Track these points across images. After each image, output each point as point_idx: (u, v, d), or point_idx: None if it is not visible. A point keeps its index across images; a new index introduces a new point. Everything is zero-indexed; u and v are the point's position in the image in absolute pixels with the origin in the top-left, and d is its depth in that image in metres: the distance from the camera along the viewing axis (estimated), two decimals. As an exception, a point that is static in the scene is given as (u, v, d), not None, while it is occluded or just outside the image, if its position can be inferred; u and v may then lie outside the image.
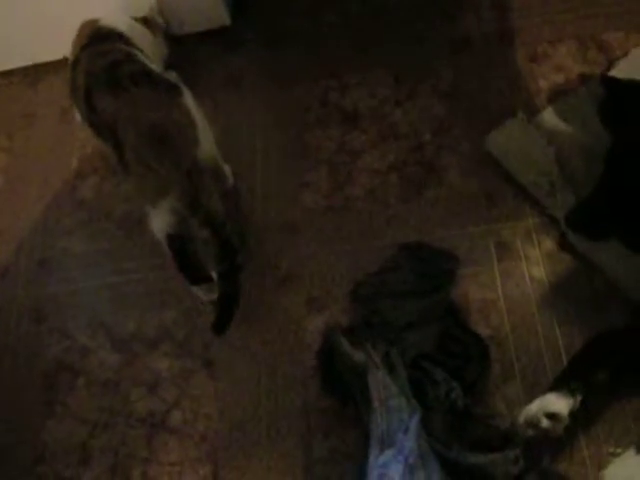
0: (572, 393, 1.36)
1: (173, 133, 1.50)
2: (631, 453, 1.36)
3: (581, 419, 1.42)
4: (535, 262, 1.62)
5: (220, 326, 1.59)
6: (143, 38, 1.83)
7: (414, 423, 1.22)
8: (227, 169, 1.75)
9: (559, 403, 1.35)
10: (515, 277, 1.61)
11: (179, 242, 1.56)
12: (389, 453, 1.18)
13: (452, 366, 1.46)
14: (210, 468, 1.57)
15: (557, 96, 1.83)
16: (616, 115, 1.48)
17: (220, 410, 1.62)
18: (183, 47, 2.10)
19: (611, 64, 1.87)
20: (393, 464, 1.15)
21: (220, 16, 2.10)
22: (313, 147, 1.89)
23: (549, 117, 1.77)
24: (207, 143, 1.57)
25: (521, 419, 1.37)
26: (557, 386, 1.38)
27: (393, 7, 2.08)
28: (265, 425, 1.58)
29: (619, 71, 1.80)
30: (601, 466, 1.38)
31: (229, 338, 1.67)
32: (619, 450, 1.39)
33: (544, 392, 1.39)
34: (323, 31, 2.09)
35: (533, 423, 1.36)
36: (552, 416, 1.34)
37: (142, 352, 1.72)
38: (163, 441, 1.62)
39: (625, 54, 1.89)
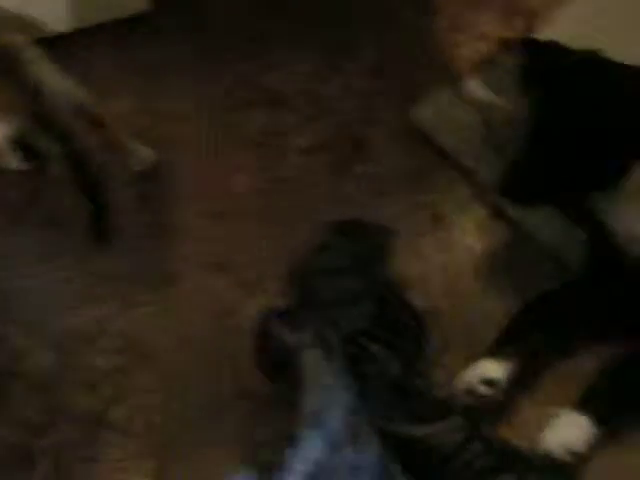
0: (508, 358, 1.37)
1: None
2: (570, 412, 1.37)
3: (520, 383, 1.43)
4: (469, 232, 1.63)
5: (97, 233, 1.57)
6: None
7: (342, 400, 1.21)
8: (146, 152, 1.75)
9: (495, 369, 1.36)
10: (450, 247, 1.62)
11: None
12: (312, 433, 1.17)
13: (390, 340, 1.45)
14: (154, 462, 1.53)
15: (482, 64, 1.83)
16: (538, 79, 1.48)
17: (161, 402, 1.59)
18: (104, 34, 2.05)
19: (534, 30, 1.88)
20: (313, 442, 1.14)
21: (140, 2, 2.06)
22: (241, 130, 1.86)
23: (474, 86, 1.76)
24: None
25: (459, 387, 1.37)
26: (492, 352, 1.38)
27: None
28: (207, 413, 1.55)
29: (542, 36, 1.81)
30: (542, 427, 1.39)
31: (165, 328, 1.65)
32: (560, 411, 1.40)
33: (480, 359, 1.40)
34: (246, 12, 2.06)
35: (471, 390, 1.36)
36: (489, 382, 1.35)
37: (79, 349, 1.67)
38: (105, 438, 1.57)
39: (547, 19, 1.90)
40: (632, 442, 1.39)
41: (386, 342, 1.44)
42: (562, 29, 1.85)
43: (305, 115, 1.85)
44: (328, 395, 1.22)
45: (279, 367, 1.38)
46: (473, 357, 1.46)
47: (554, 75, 1.44)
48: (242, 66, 1.96)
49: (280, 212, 1.73)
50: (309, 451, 1.13)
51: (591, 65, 1.42)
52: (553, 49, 1.51)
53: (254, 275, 1.66)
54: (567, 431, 1.35)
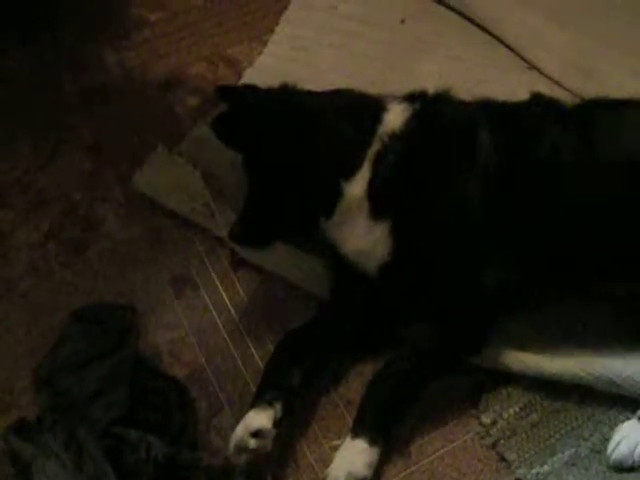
0: (270, 403, 1.33)
1: None
2: (348, 440, 1.35)
3: (293, 423, 1.40)
4: (214, 287, 1.59)
5: None
6: None
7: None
8: None
9: (260, 418, 1.31)
10: (198, 308, 1.57)
11: None
12: None
13: (153, 420, 1.37)
14: None
15: (197, 119, 1.83)
16: (233, 126, 1.48)
17: None
18: None
19: (240, 76, 1.92)
20: None
21: None
22: (-42, 239, 1.73)
23: (191, 142, 1.76)
24: None
25: (230, 448, 1.32)
26: (255, 402, 1.34)
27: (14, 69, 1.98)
28: None
29: (248, 80, 1.84)
30: (327, 464, 1.36)
31: None
32: (339, 442, 1.38)
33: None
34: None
35: (241, 447, 1.30)
36: (257, 433, 1.30)
37: None
38: None
39: (251, 64, 1.94)
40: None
41: (150, 423, 1.37)
42: (267, 69, 1.90)
43: (27, 208, 1.75)
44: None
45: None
46: (244, 412, 1.41)
47: (247, 120, 1.44)
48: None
49: (16, 317, 1.60)
50: None
51: (279, 104, 1.44)
52: (245, 93, 1.52)
53: (3, 390, 1.52)
54: (349, 460, 1.33)
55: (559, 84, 1.80)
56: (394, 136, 1.39)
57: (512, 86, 1.76)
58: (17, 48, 2.03)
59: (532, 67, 1.85)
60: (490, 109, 1.44)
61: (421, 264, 1.36)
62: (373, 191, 1.39)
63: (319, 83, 1.53)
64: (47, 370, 1.45)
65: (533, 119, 1.41)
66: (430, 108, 1.43)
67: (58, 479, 1.19)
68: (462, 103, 1.45)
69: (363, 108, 1.43)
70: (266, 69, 1.89)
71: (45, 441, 1.25)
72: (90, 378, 1.40)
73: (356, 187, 1.39)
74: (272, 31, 2.01)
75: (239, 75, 1.92)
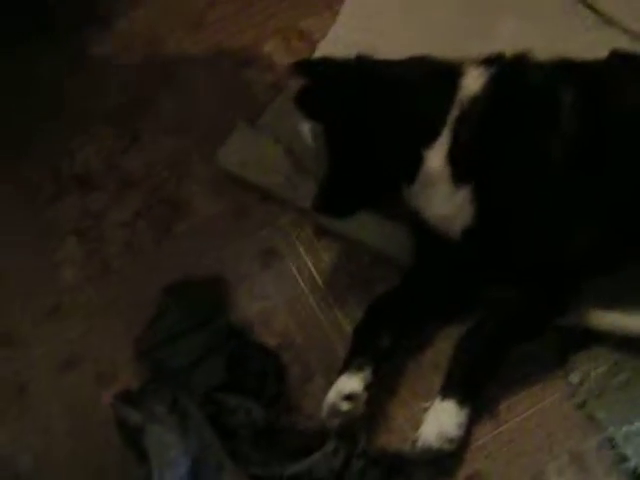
0: (361, 368, 1.37)
1: None
2: (437, 401, 1.38)
3: (383, 387, 1.43)
4: (300, 257, 1.63)
5: None
6: None
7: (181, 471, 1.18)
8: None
9: (351, 382, 1.35)
10: (286, 278, 1.61)
11: None
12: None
13: (250, 387, 1.43)
14: None
15: (275, 94, 1.86)
16: (317, 98, 1.50)
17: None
18: None
19: (314, 48, 1.93)
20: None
21: None
22: (57, 222, 1.81)
23: (271, 116, 1.80)
24: None
25: (323, 412, 1.37)
26: (346, 366, 1.39)
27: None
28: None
29: (321, 52, 1.86)
30: (418, 425, 1.39)
31: (25, 443, 1.56)
32: (428, 404, 1.41)
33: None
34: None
35: (334, 411, 1.35)
36: (349, 397, 1.35)
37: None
38: None
39: (324, 35, 1.96)
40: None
41: (247, 390, 1.43)
42: (340, 40, 1.91)
43: (117, 189, 1.82)
44: (174, 471, 1.19)
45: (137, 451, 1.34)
46: (335, 378, 1.45)
47: (327, 92, 1.46)
48: (43, 159, 1.91)
49: (115, 292, 1.68)
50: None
51: (357, 75, 1.45)
52: (322, 66, 1.54)
53: (105, 365, 1.60)
54: (438, 421, 1.36)
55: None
56: (473, 101, 1.39)
57: (590, 44, 1.73)
58: (96, 34, 2.09)
59: (611, 23, 1.81)
60: (569, 69, 1.42)
61: (506, 227, 1.37)
62: (454, 157, 1.39)
63: (394, 51, 1.53)
64: (147, 343, 1.53)
65: (614, 76, 1.40)
66: (508, 71, 1.42)
67: (167, 443, 1.25)
68: (540, 64, 1.44)
69: (440, 74, 1.44)
70: (339, 40, 1.90)
71: (150, 407, 1.32)
72: (188, 348, 1.47)
73: (437, 154, 1.40)
74: (342, 0, 2.01)
75: (313, 47, 1.93)
